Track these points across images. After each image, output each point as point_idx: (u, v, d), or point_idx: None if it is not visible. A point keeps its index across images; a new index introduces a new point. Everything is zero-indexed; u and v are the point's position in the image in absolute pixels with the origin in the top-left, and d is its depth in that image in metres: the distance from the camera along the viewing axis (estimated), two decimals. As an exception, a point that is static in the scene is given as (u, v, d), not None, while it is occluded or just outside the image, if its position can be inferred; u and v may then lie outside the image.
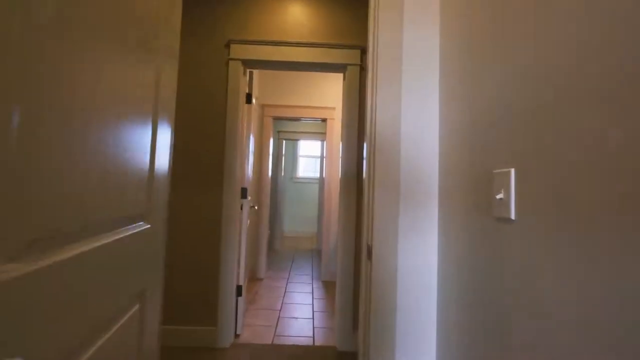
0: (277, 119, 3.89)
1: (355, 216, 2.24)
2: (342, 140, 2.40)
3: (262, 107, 3.76)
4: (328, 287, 3.44)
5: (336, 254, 2.65)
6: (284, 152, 5.70)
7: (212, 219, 2.17)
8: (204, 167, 2.21)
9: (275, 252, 5.11)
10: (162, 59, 0.76)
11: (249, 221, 2.78)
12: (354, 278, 2.13)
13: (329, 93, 3.81)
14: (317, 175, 6.95)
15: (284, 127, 5.66)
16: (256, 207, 3.08)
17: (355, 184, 2.31)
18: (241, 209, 2.33)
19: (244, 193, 2.39)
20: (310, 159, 7.00)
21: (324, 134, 5.67)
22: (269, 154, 3.77)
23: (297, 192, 6.82)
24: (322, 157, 5.66)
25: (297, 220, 6.79)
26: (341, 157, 2.39)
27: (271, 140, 3.84)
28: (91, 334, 0.49)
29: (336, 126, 3.78)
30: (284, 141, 5.66)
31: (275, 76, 3.80)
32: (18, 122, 0.32)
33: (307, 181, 6.84)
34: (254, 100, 2.67)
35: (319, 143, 6.97)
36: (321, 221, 5.41)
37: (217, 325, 2.10)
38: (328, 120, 3.78)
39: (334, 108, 3.78)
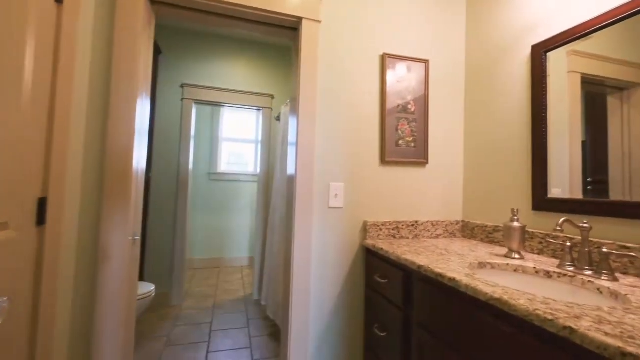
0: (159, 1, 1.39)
1: None
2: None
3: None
4: None
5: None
6: (193, 126, 3.09)
7: None
8: None
9: (173, 314, 2.56)
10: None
11: None
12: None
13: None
14: (252, 169, 4.49)
15: (190, 67, 3.06)
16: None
17: None
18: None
19: None
20: (241, 144, 4.49)
21: (269, 96, 3.29)
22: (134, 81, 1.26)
23: (221, 196, 4.25)
24: (264, 140, 3.26)
25: (217, 241, 4.23)
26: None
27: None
28: None
29: (327, 42, 1.52)
30: (192, 105, 3.06)
31: None
32: None
33: (236, 179, 4.33)
34: None
35: (255, 116, 4.52)
36: (264, 242, 3.05)
37: None
38: (304, 25, 1.48)
39: (317, -3, 1.50)
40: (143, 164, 1.41)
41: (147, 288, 2.04)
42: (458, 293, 0.91)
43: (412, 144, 1.64)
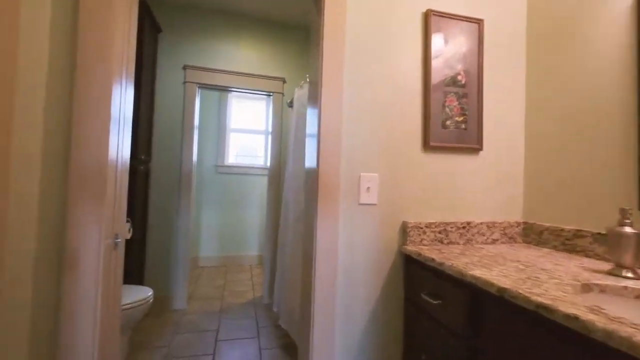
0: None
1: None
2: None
3: None
4: None
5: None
6: (196, 114, 2.82)
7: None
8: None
9: (175, 320, 2.32)
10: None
11: None
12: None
13: None
14: (263, 161, 4.20)
15: (192, 47, 2.77)
16: None
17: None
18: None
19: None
20: (251, 135, 4.20)
21: (280, 79, 2.97)
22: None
23: (229, 190, 3.99)
24: (274, 131, 2.95)
25: (225, 239, 3.98)
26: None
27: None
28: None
29: (355, 1, 1.19)
30: (196, 89, 2.78)
31: None
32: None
33: (245, 172, 4.05)
34: None
35: (265, 105, 4.21)
36: (275, 241, 2.78)
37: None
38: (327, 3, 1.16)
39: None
40: (126, 155, 1.12)
41: (144, 293, 1.78)
42: (577, 335, 0.59)
43: (463, 125, 1.30)
